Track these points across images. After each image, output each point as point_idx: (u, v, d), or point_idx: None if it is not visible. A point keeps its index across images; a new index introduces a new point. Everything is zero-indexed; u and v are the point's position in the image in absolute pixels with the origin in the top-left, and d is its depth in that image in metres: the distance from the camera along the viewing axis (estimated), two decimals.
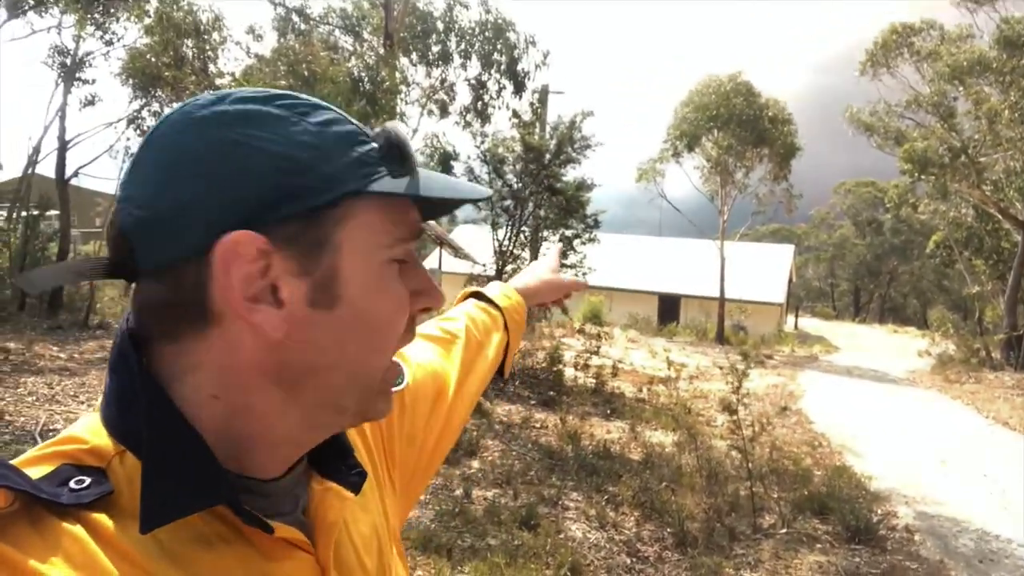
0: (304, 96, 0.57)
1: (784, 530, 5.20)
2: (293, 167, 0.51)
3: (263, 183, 0.51)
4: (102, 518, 0.47)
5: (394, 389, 0.80)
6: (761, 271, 29.49)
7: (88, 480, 0.49)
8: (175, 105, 0.58)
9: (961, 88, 17.05)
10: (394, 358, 0.62)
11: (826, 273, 52.52)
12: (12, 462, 0.49)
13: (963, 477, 7.42)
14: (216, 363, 0.52)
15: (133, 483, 0.50)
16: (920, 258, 40.05)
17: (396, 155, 0.56)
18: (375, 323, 0.57)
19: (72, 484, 0.48)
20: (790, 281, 32.28)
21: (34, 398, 6.26)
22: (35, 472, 0.48)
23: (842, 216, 49.92)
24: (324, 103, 0.58)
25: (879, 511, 5.76)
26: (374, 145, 0.56)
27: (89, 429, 0.53)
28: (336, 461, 0.64)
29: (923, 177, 17.87)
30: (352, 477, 0.64)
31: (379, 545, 0.69)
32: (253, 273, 0.51)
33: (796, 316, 37.61)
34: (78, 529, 0.46)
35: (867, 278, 49.73)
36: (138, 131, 11.72)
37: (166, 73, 9.00)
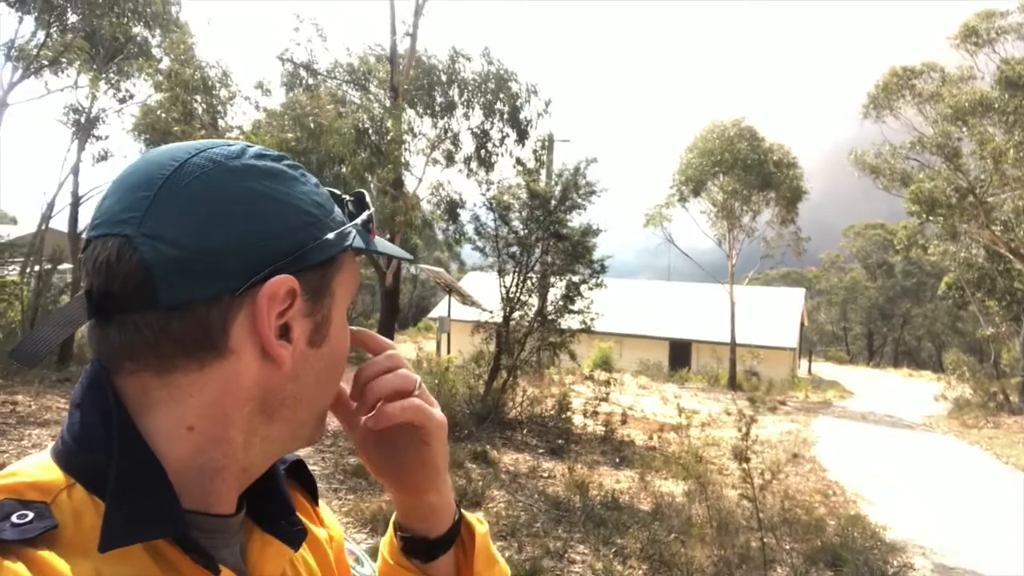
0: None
1: None
2: (314, 221, 0.58)
3: (294, 234, 0.56)
4: (46, 555, 0.47)
5: None
6: (772, 315, 29.31)
7: (31, 515, 0.48)
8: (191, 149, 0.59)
9: (964, 129, 17.13)
10: None
11: (838, 317, 52.17)
12: None
13: (981, 525, 7.21)
14: (209, 395, 0.54)
15: (80, 517, 0.50)
16: (933, 300, 39.87)
17: (366, 217, 0.65)
18: (339, 360, 0.64)
19: (14, 519, 0.48)
20: (802, 325, 32.06)
21: (37, 450, 6.22)
22: None
23: (852, 259, 49.86)
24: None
25: (895, 562, 5.60)
26: (349, 206, 0.65)
27: (35, 464, 0.54)
28: (277, 516, 0.65)
29: (931, 218, 17.87)
30: (292, 532, 0.65)
31: None
32: (281, 313, 0.56)
33: (810, 361, 37.28)
34: (20, 567, 0.46)
35: (880, 321, 49.39)
36: None
37: (175, 128, 9.18)
